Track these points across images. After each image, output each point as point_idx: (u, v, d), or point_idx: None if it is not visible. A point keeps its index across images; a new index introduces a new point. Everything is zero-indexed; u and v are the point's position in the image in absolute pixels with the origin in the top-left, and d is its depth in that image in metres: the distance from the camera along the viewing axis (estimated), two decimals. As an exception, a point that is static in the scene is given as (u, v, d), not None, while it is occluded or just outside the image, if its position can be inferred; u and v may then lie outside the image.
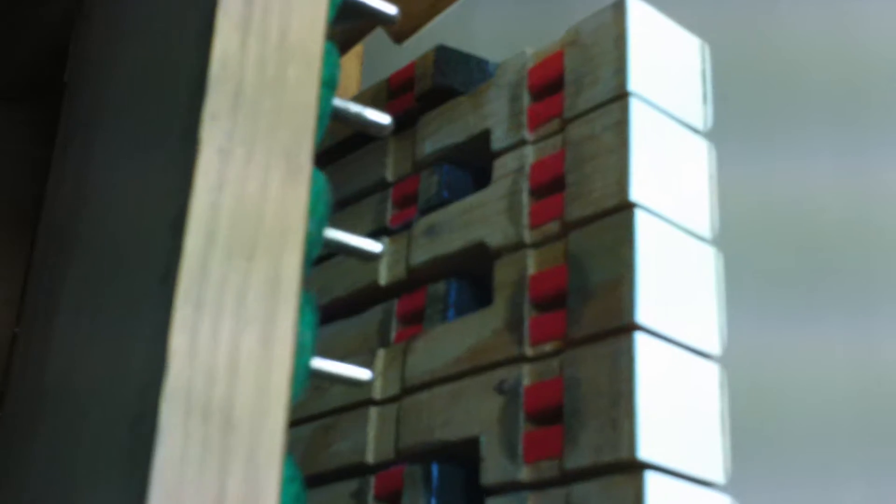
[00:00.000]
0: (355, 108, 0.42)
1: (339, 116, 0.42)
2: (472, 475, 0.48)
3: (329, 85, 0.39)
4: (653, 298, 0.43)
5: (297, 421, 0.58)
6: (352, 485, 0.53)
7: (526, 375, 0.46)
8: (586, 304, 0.44)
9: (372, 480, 0.52)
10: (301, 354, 0.35)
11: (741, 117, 0.67)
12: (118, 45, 0.47)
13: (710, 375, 0.44)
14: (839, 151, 0.65)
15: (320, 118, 0.38)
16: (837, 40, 0.67)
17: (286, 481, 0.33)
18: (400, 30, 0.55)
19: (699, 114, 0.49)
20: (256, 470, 0.29)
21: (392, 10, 0.44)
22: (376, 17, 0.44)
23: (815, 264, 0.61)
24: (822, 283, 0.60)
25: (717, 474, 0.43)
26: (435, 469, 0.49)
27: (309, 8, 0.37)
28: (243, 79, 0.34)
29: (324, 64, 0.38)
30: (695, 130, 0.48)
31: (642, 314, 0.42)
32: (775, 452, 0.59)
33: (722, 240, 0.47)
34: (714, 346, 0.45)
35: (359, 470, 0.53)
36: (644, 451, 0.40)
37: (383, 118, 0.43)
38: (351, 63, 0.91)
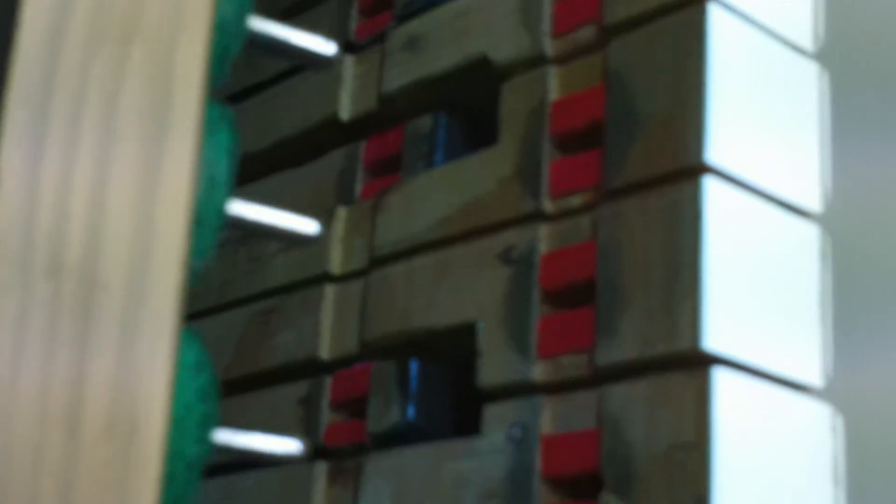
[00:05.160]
0: None
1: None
2: (464, 376, 0.42)
3: None
4: (729, 132, 0.36)
5: (226, 304, 0.52)
6: (300, 388, 0.47)
7: (543, 239, 0.39)
8: (632, 140, 0.37)
9: (327, 382, 0.46)
10: (211, 194, 0.28)
11: None
12: None
13: (805, 238, 0.37)
14: None
15: None
16: None
17: (188, 368, 0.26)
18: None
19: None
20: (135, 345, 0.22)
21: None
22: None
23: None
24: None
25: (814, 374, 0.36)
26: (414, 367, 0.43)
27: None
28: None
29: None
30: None
31: (714, 152, 0.35)
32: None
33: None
34: (814, 202, 0.38)
35: (309, 368, 0.47)
36: (712, 341, 0.34)
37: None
38: None
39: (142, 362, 0.22)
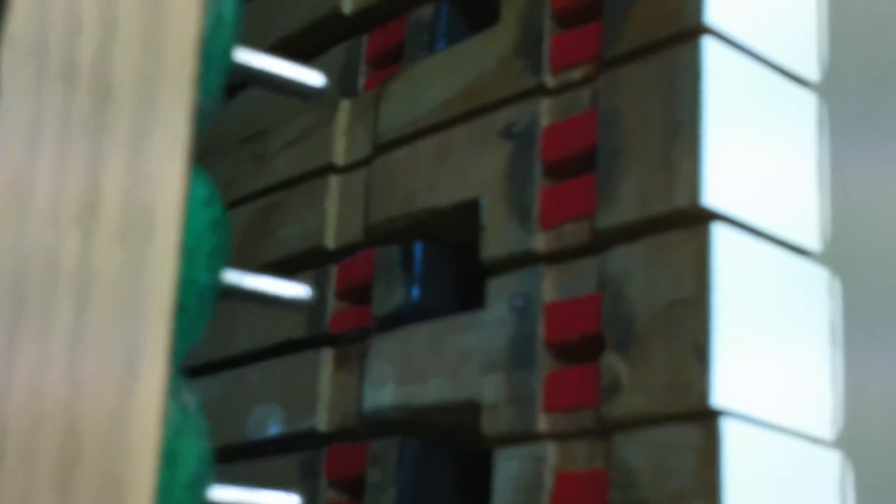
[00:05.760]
0: None
1: None
2: (468, 257, 0.43)
3: None
4: (727, -5, 0.36)
5: (231, 203, 0.52)
6: (305, 279, 0.47)
7: (544, 114, 0.40)
8: (631, 7, 0.38)
9: (332, 270, 0.46)
10: (218, 33, 0.29)
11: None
12: None
13: (802, 104, 0.38)
14: None
15: None
16: None
17: (198, 201, 0.27)
18: None
19: None
20: (146, 161, 0.23)
21: None
22: None
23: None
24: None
25: (812, 237, 0.37)
26: (418, 249, 0.43)
27: None
28: None
29: None
30: None
31: (712, 14, 0.36)
32: None
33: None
34: (811, 70, 0.38)
35: (315, 258, 0.47)
36: (710, 197, 0.34)
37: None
38: None
39: (154, 181, 0.23)
